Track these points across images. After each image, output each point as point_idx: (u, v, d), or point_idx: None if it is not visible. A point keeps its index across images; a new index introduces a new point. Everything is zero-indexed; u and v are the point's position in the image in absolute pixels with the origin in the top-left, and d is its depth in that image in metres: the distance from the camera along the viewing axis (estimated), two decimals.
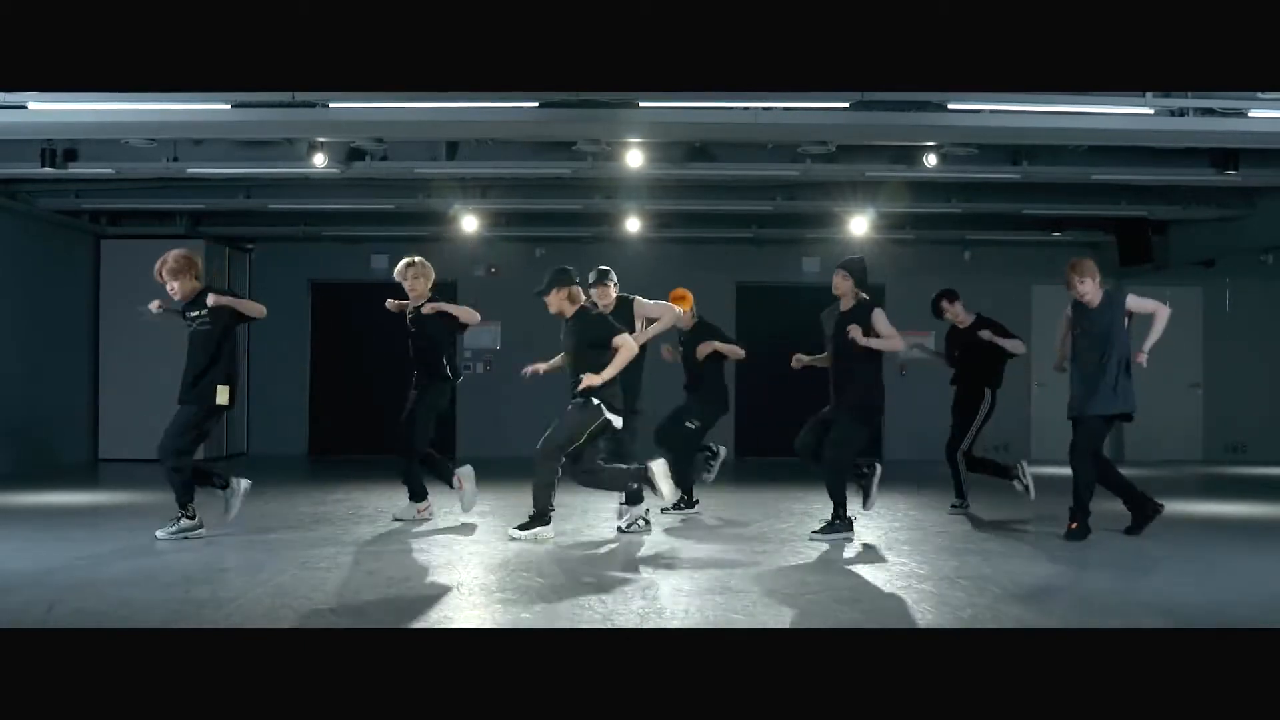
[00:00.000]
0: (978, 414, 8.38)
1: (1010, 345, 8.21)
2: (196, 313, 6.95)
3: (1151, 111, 7.13)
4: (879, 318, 7.08)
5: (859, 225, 11.72)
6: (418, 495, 7.80)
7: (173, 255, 7.03)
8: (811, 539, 7.07)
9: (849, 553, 6.71)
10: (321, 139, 8.70)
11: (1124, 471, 7.55)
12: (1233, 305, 13.87)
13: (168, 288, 7.01)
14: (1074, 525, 7.13)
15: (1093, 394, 7.01)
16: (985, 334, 8.17)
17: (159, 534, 6.91)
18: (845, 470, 7.18)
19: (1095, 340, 7.03)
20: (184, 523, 6.93)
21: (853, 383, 7.07)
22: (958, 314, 8.44)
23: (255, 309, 7.04)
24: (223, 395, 6.89)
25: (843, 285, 7.15)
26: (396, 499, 8.29)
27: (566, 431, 6.80)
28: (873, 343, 6.99)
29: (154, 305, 7.23)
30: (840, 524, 7.15)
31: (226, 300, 6.95)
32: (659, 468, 6.92)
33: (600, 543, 7.03)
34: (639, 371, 7.35)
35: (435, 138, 9.10)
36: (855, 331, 6.96)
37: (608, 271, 7.55)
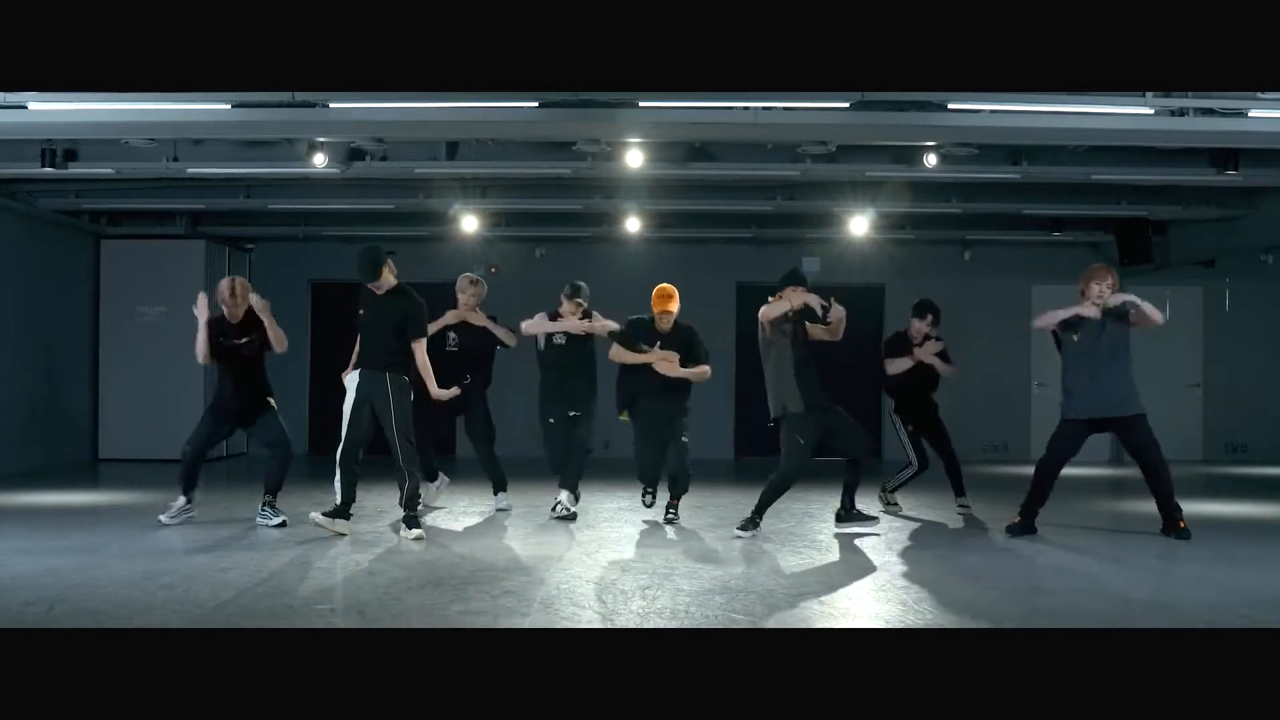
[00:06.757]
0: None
1: (944, 370, 8.45)
2: (247, 338, 7.63)
3: (1151, 111, 7.12)
4: None
5: (859, 225, 11.72)
6: (431, 475, 8.59)
7: (240, 281, 7.71)
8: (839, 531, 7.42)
9: (848, 553, 6.71)
10: (321, 139, 8.69)
11: (1124, 471, 7.55)
12: (1233, 305, 13.87)
13: (226, 308, 7.58)
14: (1183, 524, 7.25)
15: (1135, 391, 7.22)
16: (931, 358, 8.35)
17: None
18: None
19: (1117, 344, 7.20)
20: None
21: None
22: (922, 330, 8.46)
23: (279, 341, 7.72)
24: (274, 403, 7.84)
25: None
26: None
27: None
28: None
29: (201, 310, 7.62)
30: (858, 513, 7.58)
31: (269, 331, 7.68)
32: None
33: (600, 543, 7.04)
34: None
35: (435, 138, 9.09)
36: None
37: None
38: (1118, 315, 7.20)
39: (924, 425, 8.53)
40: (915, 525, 8.03)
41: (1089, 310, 7.16)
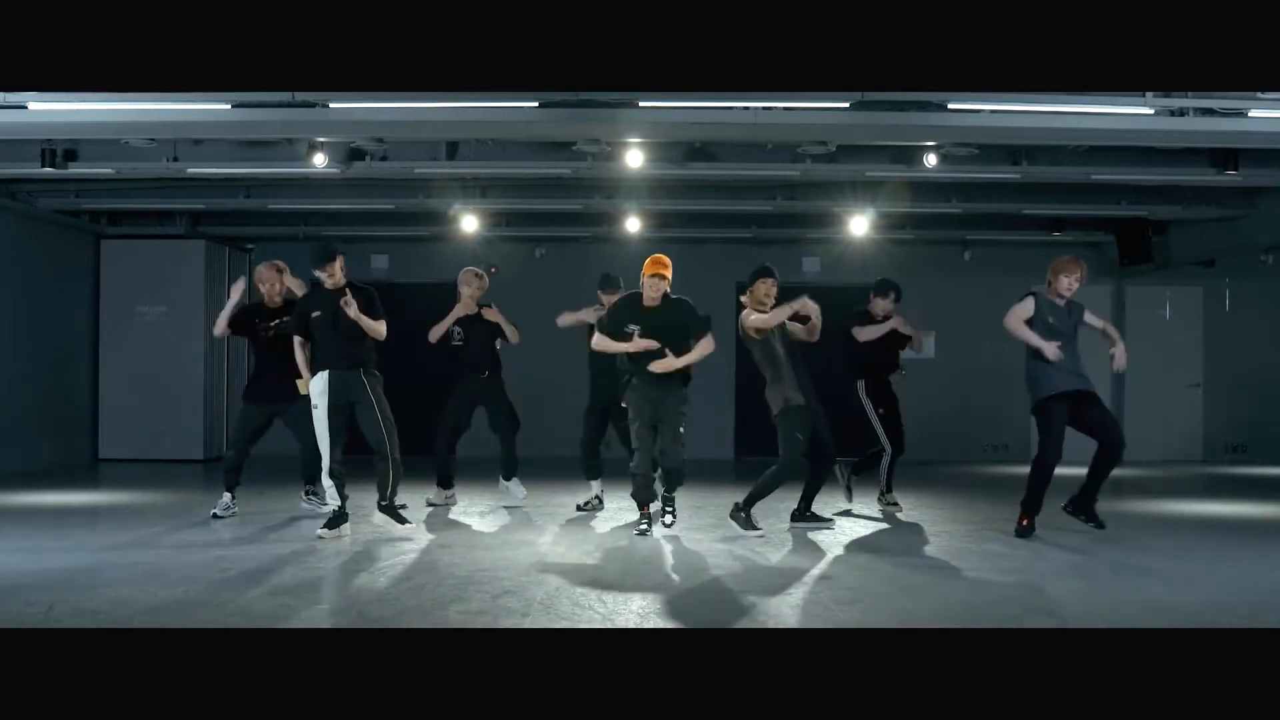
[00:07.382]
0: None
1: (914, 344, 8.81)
2: (278, 321, 7.78)
3: (1151, 111, 7.12)
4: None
5: (859, 225, 11.71)
6: (446, 483, 8.69)
7: (280, 265, 7.98)
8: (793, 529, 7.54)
9: (848, 553, 6.71)
10: (321, 139, 8.69)
11: (1123, 471, 7.56)
12: (1233, 305, 13.86)
13: (268, 285, 7.82)
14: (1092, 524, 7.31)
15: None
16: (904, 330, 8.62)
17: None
18: None
19: (1078, 324, 7.30)
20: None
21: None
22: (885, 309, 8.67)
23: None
24: (303, 387, 7.44)
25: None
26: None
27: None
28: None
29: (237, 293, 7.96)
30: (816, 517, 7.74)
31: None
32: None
33: (600, 543, 7.03)
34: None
35: (435, 138, 9.09)
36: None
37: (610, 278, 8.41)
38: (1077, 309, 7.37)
39: (890, 411, 8.64)
40: (915, 525, 8.03)
41: (1052, 354, 7.09)
